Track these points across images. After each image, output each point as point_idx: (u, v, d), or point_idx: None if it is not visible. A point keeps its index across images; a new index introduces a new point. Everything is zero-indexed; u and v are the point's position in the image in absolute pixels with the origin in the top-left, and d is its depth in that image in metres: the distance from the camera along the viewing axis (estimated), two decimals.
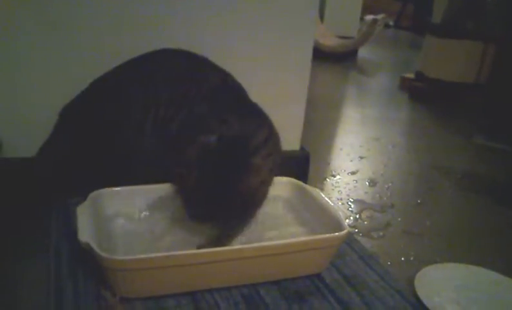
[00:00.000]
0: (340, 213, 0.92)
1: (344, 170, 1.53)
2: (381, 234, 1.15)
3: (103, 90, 1.02)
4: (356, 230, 1.15)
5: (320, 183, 1.41)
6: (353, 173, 1.51)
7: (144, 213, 0.96)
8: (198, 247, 0.84)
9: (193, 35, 1.14)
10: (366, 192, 1.38)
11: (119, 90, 1.00)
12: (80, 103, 1.03)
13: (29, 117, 1.08)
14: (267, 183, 0.89)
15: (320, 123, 2.05)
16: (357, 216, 1.23)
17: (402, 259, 1.05)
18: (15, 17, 1.00)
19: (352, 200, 1.32)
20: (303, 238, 0.90)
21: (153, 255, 0.75)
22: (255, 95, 1.01)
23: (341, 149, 1.75)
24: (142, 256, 0.75)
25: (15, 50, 1.03)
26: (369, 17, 3.66)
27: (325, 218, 0.93)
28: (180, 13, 1.12)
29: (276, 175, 0.93)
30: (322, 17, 4.12)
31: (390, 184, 1.45)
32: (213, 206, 0.84)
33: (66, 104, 1.04)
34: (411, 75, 2.78)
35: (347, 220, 1.19)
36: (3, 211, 0.99)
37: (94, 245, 0.73)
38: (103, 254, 0.72)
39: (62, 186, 1.02)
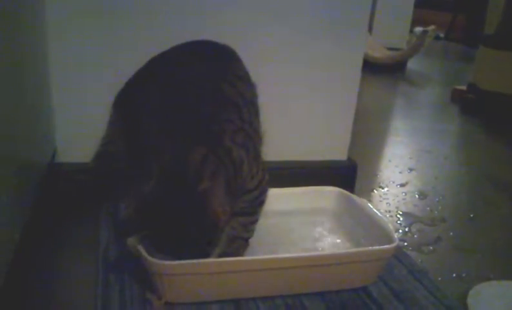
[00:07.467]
0: (390, 225, 0.89)
1: (393, 182, 1.50)
2: (431, 248, 1.11)
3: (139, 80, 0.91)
4: (406, 244, 1.11)
5: (367, 194, 1.38)
6: (402, 185, 1.48)
7: None
8: None
9: (247, 45, 1.13)
10: (416, 205, 1.34)
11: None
12: (123, 92, 0.92)
13: (84, 123, 1.09)
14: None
15: (368, 134, 2.01)
16: (406, 230, 1.19)
17: (454, 275, 1.01)
18: (68, 17, 1.04)
19: (401, 213, 1.28)
20: (351, 250, 0.88)
21: (200, 261, 0.75)
22: (305, 105, 1.00)
23: (389, 161, 1.72)
24: (189, 261, 0.75)
25: (70, 55, 1.06)
26: (418, 29, 3.59)
27: (374, 230, 0.91)
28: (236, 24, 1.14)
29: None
30: (370, 28, 4.07)
31: (441, 197, 1.41)
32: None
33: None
34: (462, 87, 2.70)
35: (395, 233, 1.16)
36: (55, 215, 1.02)
37: (142, 250, 0.74)
38: (151, 259, 0.73)
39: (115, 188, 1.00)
